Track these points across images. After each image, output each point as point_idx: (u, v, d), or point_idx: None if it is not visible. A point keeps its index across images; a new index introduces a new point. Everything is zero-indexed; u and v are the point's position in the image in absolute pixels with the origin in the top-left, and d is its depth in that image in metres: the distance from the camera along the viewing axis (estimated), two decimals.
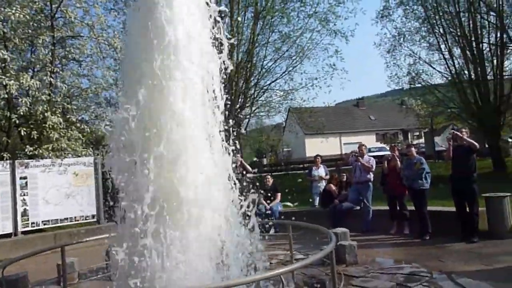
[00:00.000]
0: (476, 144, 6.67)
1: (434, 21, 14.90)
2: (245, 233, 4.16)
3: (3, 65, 7.94)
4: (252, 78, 13.85)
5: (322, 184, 9.70)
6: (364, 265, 5.76)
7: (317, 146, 36.65)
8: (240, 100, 13.80)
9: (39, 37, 8.73)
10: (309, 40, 13.86)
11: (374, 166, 8.41)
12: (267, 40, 14.13)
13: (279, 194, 9.51)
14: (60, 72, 9.53)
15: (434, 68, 15.97)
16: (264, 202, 9.28)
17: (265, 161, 46.19)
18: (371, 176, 8.35)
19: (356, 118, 47.47)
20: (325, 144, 40.03)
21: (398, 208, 7.85)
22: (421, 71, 15.92)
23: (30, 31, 8.73)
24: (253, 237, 4.36)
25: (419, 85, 16.28)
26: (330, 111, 48.45)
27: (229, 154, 4.21)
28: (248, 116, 14.46)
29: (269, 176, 9.83)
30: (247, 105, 14.06)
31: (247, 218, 4.22)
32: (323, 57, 14.74)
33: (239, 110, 13.48)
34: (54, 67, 9.12)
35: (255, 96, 14.31)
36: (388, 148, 16.33)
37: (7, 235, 8.31)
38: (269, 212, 8.91)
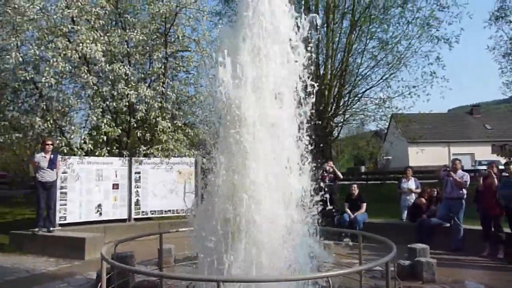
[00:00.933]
0: None
1: None
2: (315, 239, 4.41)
3: (126, 78, 9.48)
4: (346, 86, 13.88)
5: (412, 197, 9.41)
6: (442, 284, 5.63)
7: (421, 156, 34.36)
8: (332, 107, 13.95)
9: (154, 53, 10.19)
10: (408, 47, 13.36)
11: (468, 182, 7.94)
12: (364, 47, 14.02)
13: (364, 204, 9.50)
14: (170, 82, 10.93)
15: None
16: (348, 211, 9.41)
17: (363, 168, 44.86)
18: (463, 192, 7.91)
19: (469, 126, 43.13)
20: (430, 154, 37.31)
21: (493, 229, 7.33)
22: None
23: (147, 48, 10.26)
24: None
25: None
26: (439, 118, 44.92)
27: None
28: (340, 124, 14.49)
29: (355, 186, 9.88)
30: (339, 112, 14.13)
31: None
32: (423, 64, 14.01)
33: (331, 118, 13.64)
34: (165, 78, 10.54)
35: (349, 103, 14.28)
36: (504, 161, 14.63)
37: (123, 220, 9.88)
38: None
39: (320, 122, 13.15)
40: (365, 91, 14.13)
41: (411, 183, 9.61)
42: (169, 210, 10.50)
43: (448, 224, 8.10)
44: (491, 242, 7.33)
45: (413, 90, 13.72)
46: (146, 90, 9.66)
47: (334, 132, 14.61)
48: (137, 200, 10.16)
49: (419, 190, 9.36)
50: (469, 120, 44.33)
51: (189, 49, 11.04)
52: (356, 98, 14.37)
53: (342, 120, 14.37)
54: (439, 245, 7.99)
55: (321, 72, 13.23)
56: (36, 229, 8.12)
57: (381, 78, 14.06)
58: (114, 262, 3.65)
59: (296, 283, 3.48)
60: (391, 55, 13.46)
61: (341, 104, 14.09)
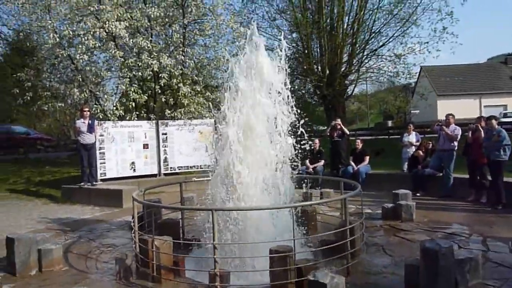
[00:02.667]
0: None
1: None
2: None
3: (149, 49, 10.51)
4: (357, 44, 14.25)
5: (412, 150, 10.20)
6: (417, 223, 6.60)
7: (451, 108, 33.97)
8: (345, 67, 14.46)
9: (173, 24, 11.10)
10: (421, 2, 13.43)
11: (458, 136, 8.64)
12: (378, 4, 14.17)
13: (367, 157, 10.42)
14: (189, 51, 11.87)
15: None
16: (352, 163, 10.37)
17: (389, 123, 44.79)
18: (454, 145, 8.63)
19: (502, 77, 41.57)
20: (460, 106, 36.68)
21: (478, 177, 8.11)
22: None
23: (167, 19, 11.16)
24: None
25: None
26: (471, 70, 43.45)
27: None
28: (354, 82, 14.99)
29: (358, 141, 10.74)
30: (353, 71, 14.62)
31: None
32: (436, 19, 13.98)
33: (342, 77, 14.20)
34: (184, 47, 11.49)
35: (362, 60, 14.67)
36: None
37: (154, 175, 11.34)
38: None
39: (332, 82, 13.82)
40: (381, 46, 14.40)
41: (411, 137, 10.37)
42: (194, 166, 11.86)
43: (440, 174, 8.93)
44: (476, 188, 8.13)
45: (424, 47, 13.92)
46: (167, 59, 10.67)
47: (348, 90, 15.18)
48: (165, 157, 11.53)
49: (418, 143, 10.12)
50: (503, 70, 42.64)
51: (206, 17, 11.81)
52: (370, 55, 14.71)
53: (355, 78, 14.84)
54: (432, 192, 8.93)
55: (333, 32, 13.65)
56: (82, 184, 9.69)
57: (394, 33, 14.26)
58: (142, 200, 4.89)
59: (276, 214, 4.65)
60: (404, 12, 13.61)
61: (353, 62, 14.54)
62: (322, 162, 10.74)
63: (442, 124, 8.75)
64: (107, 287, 4.25)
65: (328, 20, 14.22)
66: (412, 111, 43.79)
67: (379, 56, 14.86)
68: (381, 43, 14.37)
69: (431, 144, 9.53)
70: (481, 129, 8.03)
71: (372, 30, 14.49)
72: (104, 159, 10.52)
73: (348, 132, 11.74)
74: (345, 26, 14.07)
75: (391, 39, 14.39)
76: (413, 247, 5.09)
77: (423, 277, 3.60)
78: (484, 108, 38.56)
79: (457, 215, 7.14)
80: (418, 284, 3.66)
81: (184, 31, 11.59)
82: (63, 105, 10.82)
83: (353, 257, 4.56)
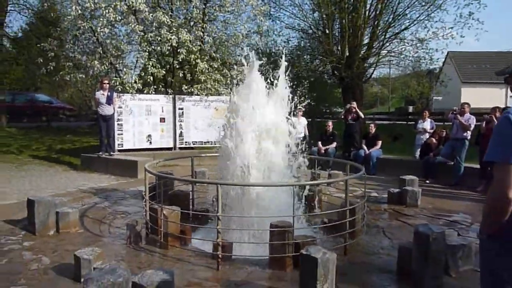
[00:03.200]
0: None
1: None
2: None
3: (168, 24, 10.61)
4: (380, 27, 13.99)
5: (425, 137, 10.16)
6: (421, 208, 6.70)
7: (475, 96, 33.09)
8: (365, 49, 14.26)
9: (193, 0, 11.14)
10: None
11: (472, 125, 8.57)
12: None
13: (379, 142, 10.45)
14: (208, 27, 11.93)
15: None
16: (365, 147, 10.42)
17: (410, 108, 43.93)
18: (467, 134, 8.58)
19: None
20: (484, 95, 35.71)
21: (489, 168, 8.07)
22: None
23: None
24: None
25: None
26: (499, 57, 41.91)
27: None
28: (373, 66, 14.79)
29: (372, 125, 10.74)
30: (373, 54, 14.41)
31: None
32: (463, 4, 13.52)
33: (361, 60, 14.03)
34: (204, 23, 11.55)
35: (384, 43, 14.41)
36: None
37: (169, 149, 11.66)
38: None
39: (350, 64, 13.68)
40: (400, 32, 14.12)
41: (426, 124, 10.31)
42: (208, 142, 12.11)
43: (451, 162, 8.92)
44: (487, 179, 8.11)
45: (448, 32, 13.56)
46: (186, 34, 10.78)
47: (366, 73, 15.00)
48: (181, 132, 11.81)
49: (432, 130, 10.07)
50: None
51: None
52: (391, 38, 14.43)
53: (375, 61, 14.63)
54: (442, 180, 8.96)
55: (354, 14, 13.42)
56: (100, 153, 10.08)
57: (418, 16, 13.91)
58: (154, 171, 5.15)
59: (281, 190, 4.85)
60: None
61: (374, 45, 14.31)
62: (334, 144, 10.82)
63: (456, 113, 8.68)
64: (118, 250, 4.56)
65: (351, 0, 13.97)
66: (434, 98, 42.84)
67: (401, 40, 14.56)
68: (403, 27, 14.06)
69: (444, 132, 9.48)
70: (495, 120, 7.95)
71: (396, 12, 14.16)
72: (121, 130, 10.87)
73: (363, 116, 11.74)
74: (367, 7, 13.80)
75: (415, 22, 14.06)
76: (412, 232, 5.20)
77: (415, 260, 3.75)
78: (510, 98, 37.36)
79: (463, 204, 7.18)
80: (410, 266, 3.82)
81: (204, 7, 11.62)
82: (84, 76, 11.11)
83: (353, 237, 4.74)
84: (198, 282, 3.73)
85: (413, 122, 23.23)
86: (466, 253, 4.00)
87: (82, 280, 3.58)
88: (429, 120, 10.42)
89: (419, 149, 10.19)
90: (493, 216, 1.83)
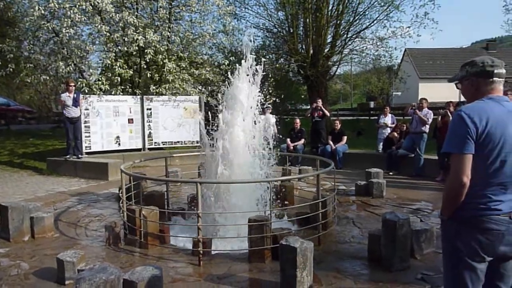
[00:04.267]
0: None
1: None
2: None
3: (134, 24, 10.50)
4: (342, 26, 14.49)
5: (387, 131, 10.70)
6: (386, 199, 7.13)
7: (431, 91, 34.76)
8: (328, 48, 14.73)
9: (159, 0, 11.07)
10: None
11: (430, 119, 9.15)
12: None
13: (345, 137, 10.89)
14: (175, 27, 11.91)
15: None
16: (331, 142, 10.83)
17: (372, 104, 45.49)
18: (426, 128, 9.15)
19: None
20: (440, 89, 37.56)
21: (446, 159, 8.66)
22: None
23: None
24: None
25: None
26: (453, 54, 44.22)
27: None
28: (337, 64, 15.28)
29: (337, 121, 11.17)
30: (336, 52, 14.90)
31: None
32: (419, 5, 14.27)
33: (325, 58, 14.48)
34: (170, 23, 11.52)
35: (346, 41, 14.94)
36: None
37: (139, 149, 11.57)
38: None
39: (315, 62, 14.10)
40: (361, 31, 14.70)
41: (387, 119, 10.85)
42: (178, 142, 12.13)
43: (412, 155, 9.47)
44: (444, 169, 8.70)
45: (405, 32, 14.27)
46: (153, 35, 10.73)
47: (330, 71, 15.49)
48: (150, 132, 11.75)
49: (393, 125, 10.62)
50: (484, 56, 43.46)
51: None
52: (353, 37, 14.99)
53: (339, 59, 15.15)
54: (404, 172, 9.50)
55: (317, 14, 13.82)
56: (68, 156, 9.86)
57: (377, 17, 14.54)
58: (130, 172, 5.20)
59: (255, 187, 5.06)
60: None
61: (337, 43, 14.80)
62: (302, 140, 11.18)
63: (415, 108, 9.22)
64: (98, 252, 4.59)
65: (314, 0, 14.36)
66: (394, 93, 44.58)
67: (363, 39, 15.16)
68: (364, 26, 14.65)
69: (405, 126, 10.04)
70: (450, 114, 8.54)
71: (357, 12, 14.72)
72: (89, 132, 10.67)
73: (328, 114, 12.18)
74: (330, 7, 14.26)
75: (374, 22, 14.68)
76: (379, 221, 5.52)
77: (384, 245, 4.06)
78: None
79: (424, 193, 7.68)
80: (379, 251, 4.13)
81: (170, 6, 11.60)
82: (48, 78, 10.80)
83: (325, 228, 5.02)
84: (182, 278, 3.86)
85: (375, 117, 24.30)
86: (429, 237, 4.37)
87: (66, 282, 3.64)
88: (390, 115, 10.97)
89: (381, 143, 10.71)
90: (451, 199, 2.12)
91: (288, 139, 11.17)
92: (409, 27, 14.28)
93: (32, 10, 9.12)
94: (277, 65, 15.68)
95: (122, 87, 11.34)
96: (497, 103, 2.12)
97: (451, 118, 8.53)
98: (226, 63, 12.81)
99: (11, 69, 10.84)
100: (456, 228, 2.14)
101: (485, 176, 2.05)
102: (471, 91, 2.26)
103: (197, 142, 12.35)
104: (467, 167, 2.03)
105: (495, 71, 2.17)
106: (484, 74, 2.18)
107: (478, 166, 2.04)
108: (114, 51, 10.73)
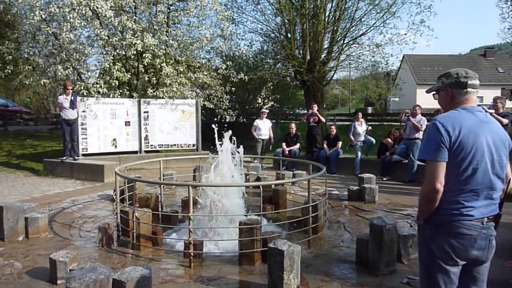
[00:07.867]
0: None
1: None
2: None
3: (133, 28, 10.60)
4: (338, 32, 14.61)
5: (362, 138, 10.90)
6: (379, 204, 7.21)
7: (428, 97, 34.86)
8: (325, 54, 14.86)
9: (158, 4, 11.20)
10: None
11: (424, 126, 9.25)
12: None
13: (340, 142, 10.98)
14: (173, 32, 12.02)
15: None
16: (326, 147, 10.93)
17: (369, 109, 45.70)
18: (419, 134, 9.25)
19: (481, 69, 42.83)
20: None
21: None
22: None
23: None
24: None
25: None
26: (451, 60, 44.55)
27: None
28: (333, 70, 15.40)
29: (333, 127, 11.27)
30: (333, 58, 15.02)
31: None
32: (415, 11, 14.41)
33: (322, 64, 14.60)
34: (168, 28, 11.63)
35: (343, 47, 15.05)
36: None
37: (135, 152, 11.64)
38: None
39: (312, 68, 14.22)
40: (357, 37, 14.82)
41: (360, 128, 11.05)
42: (174, 144, 12.21)
43: (405, 161, 9.57)
44: None
45: (401, 38, 14.40)
46: (151, 39, 10.83)
47: (326, 77, 15.59)
48: (146, 135, 11.83)
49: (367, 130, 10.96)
50: (482, 63, 43.88)
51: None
52: (350, 43, 15.10)
53: (335, 65, 15.25)
54: (398, 177, 9.59)
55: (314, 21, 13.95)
56: (64, 158, 9.94)
57: (375, 23, 14.66)
58: (124, 174, 5.28)
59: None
60: (385, 2, 14.00)
61: (334, 49, 14.92)
62: (298, 145, 11.28)
63: (409, 115, 9.33)
64: (90, 252, 4.66)
65: (311, 6, 14.49)
66: (392, 99, 44.81)
67: (359, 45, 15.28)
68: (361, 32, 14.78)
69: (398, 133, 10.14)
70: None
71: (353, 19, 14.85)
72: (86, 134, 10.75)
73: (323, 119, 12.28)
74: (327, 14, 14.38)
75: (371, 28, 14.80)
76: None
77: (371, 250, 4.14)
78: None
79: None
80: (367, 255, 4.21)
81: (168, 11, 11.71)
82: (48, 81, 10.89)
83: (316, 232, 5.11)
84: (172, 279, 3.93)
85: (372, 123, 24.45)
86: (416, 242, 4.44)
87: (58, 282, 3.71)
88: (362, 120, 11.21)
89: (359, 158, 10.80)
90: (425, 204, 2.21)
91: (284, 144, 11.26)
92: (405, 33, 14.40)
93: (32, 14, 9.22)
94: (274, 70, 15.80)
95: (120, 90, 11.43)
96: (470, 113, 2.22)
97: None
98: (223, 67, 12.93)
99: (9, 71, 10.93)
100: (431, 232, 2.23)
101: (458, 183, 2.14)
102: (446, 101, 2.36)
103: (193, 145, 12.45)
104: (440, 174, 2.12)
105: (469, 82, 2.27)
106: (458, 85, 2.28)
107: (451, 173, 2.14)
108: (112, 54, 10.83)
